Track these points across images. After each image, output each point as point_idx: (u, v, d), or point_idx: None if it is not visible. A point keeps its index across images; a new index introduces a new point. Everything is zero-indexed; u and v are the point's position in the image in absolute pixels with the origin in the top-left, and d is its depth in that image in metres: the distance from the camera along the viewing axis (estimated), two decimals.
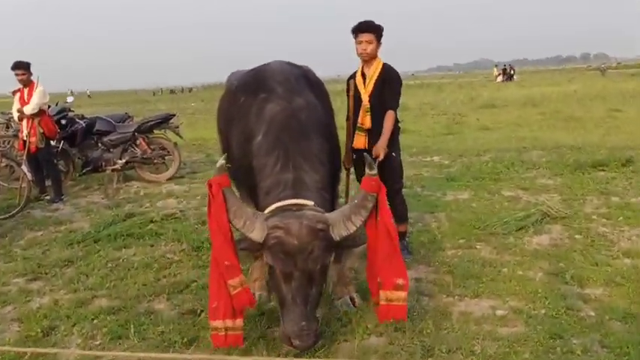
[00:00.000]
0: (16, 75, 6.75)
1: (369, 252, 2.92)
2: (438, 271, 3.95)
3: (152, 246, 4.85)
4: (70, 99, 10.99)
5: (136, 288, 3.92)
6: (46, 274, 4.31)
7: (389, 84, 3.91)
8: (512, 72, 42.76)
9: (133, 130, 7.87)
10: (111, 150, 7.79)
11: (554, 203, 5.31)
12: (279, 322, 2.77)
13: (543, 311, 3.25)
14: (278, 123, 3.02)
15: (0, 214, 6.02)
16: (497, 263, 4.04)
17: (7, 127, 8.89)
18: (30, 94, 6.72)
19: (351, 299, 3.42)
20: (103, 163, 7.72)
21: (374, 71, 3.93)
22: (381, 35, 3.91)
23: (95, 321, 3.43)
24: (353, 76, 4.08)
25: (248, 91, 3.39)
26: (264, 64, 3.60)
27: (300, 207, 2.70)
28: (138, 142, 7.87)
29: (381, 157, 3.67)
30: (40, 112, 6.74)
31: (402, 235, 3.98)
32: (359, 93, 3.98)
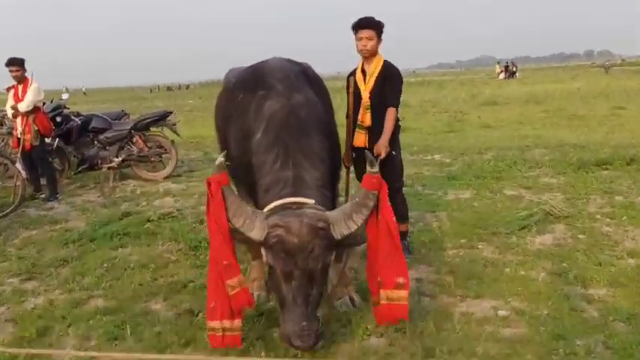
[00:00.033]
0: (10, 71, 6.74)
1: (369, 251, 2.91)
2: (439, 271, 3.95)
3: (149, 245, 4.85)
4: (65, 96, 10.96)
5: (133, 288, 3.91)
6: (41, 273, 4.30)
7: (390, 81, 3.90)
8: (514, 69, 42.74)
9: (129, 127, 7.87)
10: (107, 148, 7.79)
11: (557, 202, 5.31)
12: (278, 323, 2.76)
13: (546, 312, 3.25)
14: (277, 120, 3.01)
15: None
16: (499, 263, 4.04)
17: (1, 125, 8.90)
18: (24, 91, 6.71)
19: (351, 299, 3.42)
20: (99, 161, 7.72)
21: (374, 68, 3.93)
22: (381, 31, 3.90)
23: (91, 321, 3.42)
24: (353, 73, 4.07)
25: (247, 88, 3.38)
26: (263, 61, 3.59)
27: (301, 205, 2.69)
28: (134, 139, 7.87)
29: (383, 155, 3.67)
30: (35, 109, 6.73)
31: (403, 235, 3.98)
32: (359, 90, 3.98)
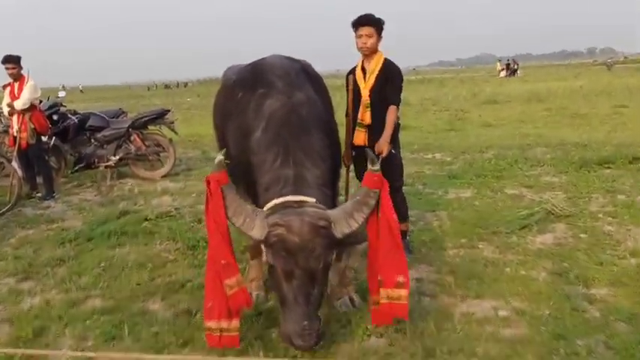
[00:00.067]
0: (6, 69, 6.72)
1: (370, 249, 2.92)
2: (439, 270, 3.96)
3: (146, 245, 4.85)
4: (61, 94, 10.99)
5: (130, 288, 3.91)
6: (38, 273, 4.30)
7: (391, 80, 3.90)
8: (515, 67, 42.74)
9: (126, 125, 7.86)
10: (104, 146, 7.78)
11: (558, 201, 5.31)
12: (277, 323, 2.77)
13: (547, 312, 3.25)
14: (278, 118, 3.01)
15: None
16: (499, 263, 4.05)
17: None
18: (20, 89, 6.70)
19: (351, 300, 3.43)
20: (96, 160, 7.71)
21: (375, 66, 3.93)
22: (381, 29, 3.90)
23: (88, 322, 3.42)
24: (352, 72, 4.07)
25: (246, 86, 3.39)
26: (262, 59, 3.59)
27: (302, 204, 2.69)
28: (132, 138, 7.86)
29: (385, 153, 3.66)
30: (31, 107, 6.72)
31: (403, 234, 3.97)
32: (358, 88, 3.98)
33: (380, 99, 3.89)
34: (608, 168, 6.89)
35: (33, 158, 6.90)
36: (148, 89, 59.23)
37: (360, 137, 3.96)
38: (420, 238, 4.60)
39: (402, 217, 4.06)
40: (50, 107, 7.86)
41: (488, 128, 12.07)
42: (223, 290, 2.68)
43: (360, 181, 3.85)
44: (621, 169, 6.78)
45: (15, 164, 6.52)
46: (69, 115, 8.08)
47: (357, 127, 3.97)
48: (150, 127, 8.15)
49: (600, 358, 2.79)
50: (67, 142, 7.91)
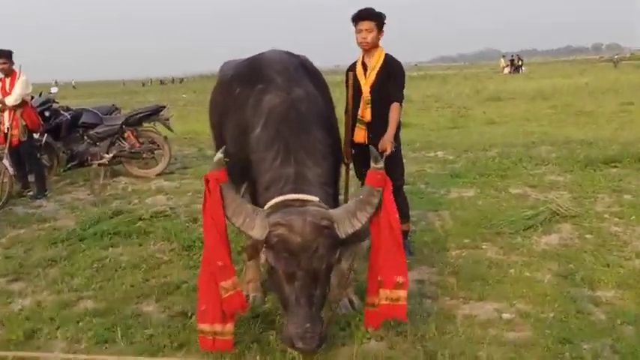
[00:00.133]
0: None
1: (372, 249, 2.90)
2: (441, 272, 3.96)
3: (140, 245, 4.85)
4: (54, 90, 10.94)
5: (124, 289, 3.91)
6: (29, 274, 4.30)
7: (393, 76, 3.90)
8: (520, 63, 42.69)
9: (120, 122, 7.85)
10: (97, 144, 7.77)
11: (563, 201, 5.32)
12: (274, 326, 2.76)
13: (552, 314, 3.26)
14: (277, 115, 3.00)
15: None
16: (503, 264, 4.05)
17: None
18: (12, 85, 6.68)
19: (350, 302, 3.43)
20: (89, 158, 7.69)
21: (376, 61, 3.92)
22: (382, 23, 3.89)
23: (80, 324, 3.41)
24: (352, 68, 4.06)
25: (244, 81, 3.37)
26: (260, 53, 3.58)
27: (304, 203, 2.67)
28: (126, 135, 7.85)
29: (389, 150, 3.65)
30: (23, 104, 6.71)
31: (404, 235, 3.98)
32: (359, 84, 3.97)
33: (381, 96, 3.88)
34: (615, 167, 6.90)
35: (24, 156, 6.89)
36: (143, 85, 59.20)
37: (360, 134, 3.96)
38: (421, 239, 4.60)
39: (404, 216, 4.05)
40: (42, 103, 7.85)
41: (491, 126, 12.08)
42: (218, 293, 2.66)
43: (360, 179, 3.85)
44: (628, 168, 6.79)
45: (6, 162, 6.51)
46: (61, 112, 8.07)
47: (357, 124, 3.96)
48: (144, 124, 8.15)
49: None
50: (60, 139, 7.90)
